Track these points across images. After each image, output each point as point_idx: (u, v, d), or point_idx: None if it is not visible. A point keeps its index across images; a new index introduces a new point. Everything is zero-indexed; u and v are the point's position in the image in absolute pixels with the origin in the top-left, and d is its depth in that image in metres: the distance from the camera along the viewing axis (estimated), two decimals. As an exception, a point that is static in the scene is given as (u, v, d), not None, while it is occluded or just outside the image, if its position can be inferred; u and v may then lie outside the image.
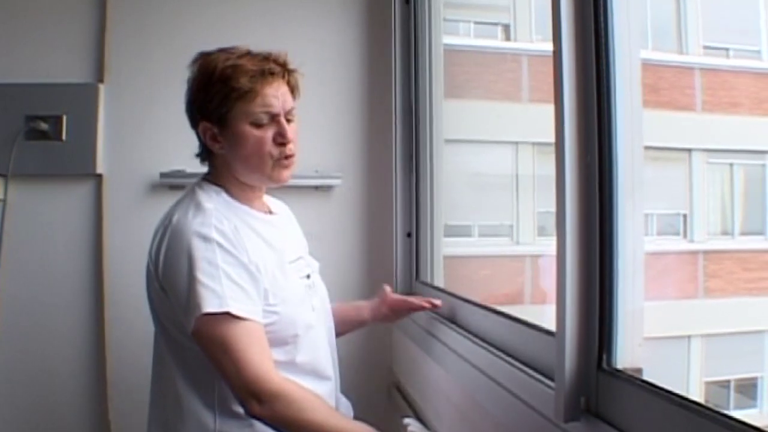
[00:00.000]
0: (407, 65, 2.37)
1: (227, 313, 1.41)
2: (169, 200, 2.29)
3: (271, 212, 1.71)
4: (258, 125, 1.55)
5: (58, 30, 2.39)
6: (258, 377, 1.41)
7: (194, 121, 1.61)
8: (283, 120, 1.57)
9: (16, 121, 2.33)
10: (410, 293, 2.29)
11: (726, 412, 0.81)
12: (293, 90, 1.63)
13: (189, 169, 2.32)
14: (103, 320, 2.37)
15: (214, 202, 1.54)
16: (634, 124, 1.05)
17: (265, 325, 1.48)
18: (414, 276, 2.29)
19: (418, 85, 2.33)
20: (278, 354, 1.50)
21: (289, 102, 1.60)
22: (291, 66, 1.62)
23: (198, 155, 1.66)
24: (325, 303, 1.74)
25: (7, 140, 2.31)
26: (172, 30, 2.41)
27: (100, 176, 2.38)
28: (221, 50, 1.59)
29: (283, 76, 1.59)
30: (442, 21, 2.35)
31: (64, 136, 2.34)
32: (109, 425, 2.37)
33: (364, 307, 1.93)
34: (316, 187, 2.44)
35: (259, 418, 1.45)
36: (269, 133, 1.56)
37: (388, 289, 1.93)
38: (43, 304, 2.37)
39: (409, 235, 2.31)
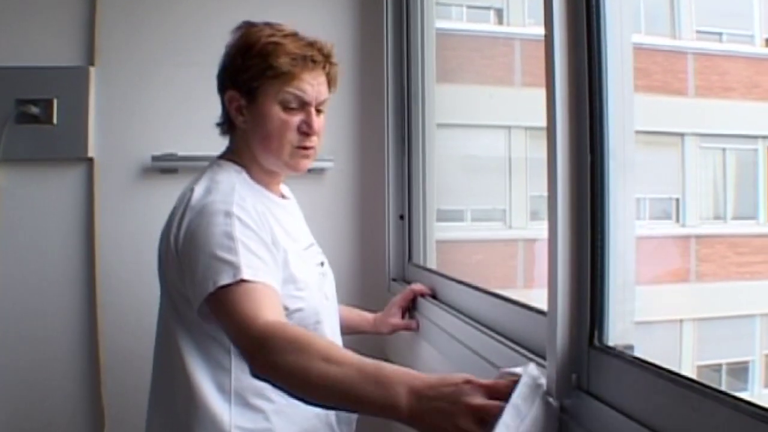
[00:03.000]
0: (399, 49, 2.36)
1: (241, 281, 1.32)
2: (161, 183, 2.32)
3: (284, 197, 1.68)
4: (286, 108, 1.52)
5: (48, 13, 2.37)
6: (241, 327, 1.27)
7: (223, 88, 1.56)
8: (312, 110, 1.54)
9: (6, 105, 2.31)
10: (402, 277, 2.30)
11: (715, 386, 0.81)
12: (330, 83, 1.59)
13: (181, 152, 2.33)
14: (96, 305, 2.37)
15: (235, 181, 1.49)
16: (626, 108, 1.05)
17: (293, 311, 1.45)
18: (406, 258, 2.29)
19: (410, 69, 2.32)
20: None
21: (324, 93, 1.56)
22: (334, 59, 1.58)
23: (219, 125, 1.61)
24: (334, 291, 1.71)
25: (-2, 124, 2.31)
26: (163, 12, 2.39)
27: (91, 160, 2.37)
28: (267, 24, 1.56)
29: (324, 67, 1.56)
30: (434, 5, 2.34)
31: (55, 120, 2.33)
32: (102, 410, 2.37)
33: (368, 318, 1.93)
34: (309, 170, 2.42)
35: (263, 378, 1.26)
36: (295, 119, 1.52)
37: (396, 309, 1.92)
38: (34, 289, 2.36)
39: (401, 217, 2.31)
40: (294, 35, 1.55)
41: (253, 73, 1.50)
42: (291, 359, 1.18)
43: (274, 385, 1.25)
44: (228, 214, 1.39)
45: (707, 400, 0.79)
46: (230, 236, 1.37)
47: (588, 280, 1.04)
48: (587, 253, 1.04)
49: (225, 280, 1.32)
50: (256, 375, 1.25)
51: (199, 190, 1.47)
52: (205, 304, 1.35)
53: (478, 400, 1.01)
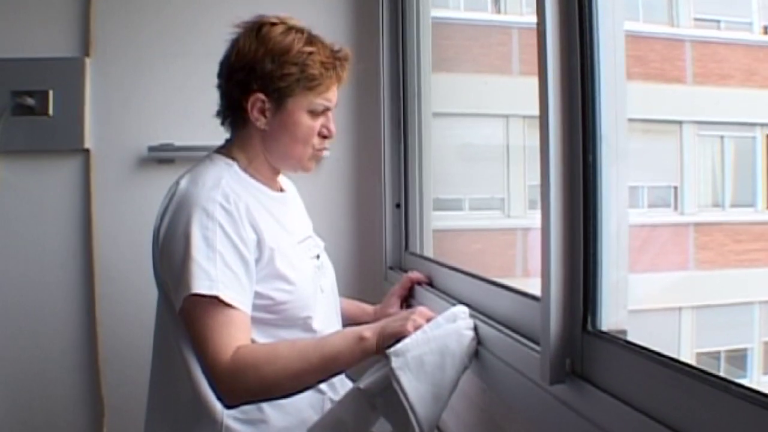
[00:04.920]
0: (395, 38, 2.35)
1: (215, 298, 1.37)
2: (157, 174, 2.32)
3: (282, 190, 1.69)
4: (313, 115, 1.55)
5: (43, 4, 2.37)
6: (214, 360, 1.36)
7: (242, 86, 1.53)
8: (331, 114, 1.58)
9: (2, 97, 2.31)
10: (399, 266, 2.30)
11: (709, 370, 0.81)
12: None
13: (177, 142, 2.33)
14: (94, 296, 2.37)
15: (224, 177, 1.49)
16: (618, 96, 1.05)
17: (279, 304, 1.48)
18: (403, 247, 2.29)
19: (406, 58, 2.32)
20: (288, 334, 1.49)
21: (337, 95, 1.60)
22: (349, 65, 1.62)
23: (225, 117, 1.60)
24: (334, 284, 1.72)
25: (-6, 116, 2.30)
26: (158, 2, 2.39)
27: (87, 151, 2.37)
28: (282, 21, 1.56)
29: (343, 75, 1.60)
30: (431, -7, 2.34)
31: (51, 111, 2.33)
32: (102, 400, 2.37)
33: (368, 310, 1.92)
34: (305, 159, 2.43)
35: (239, 404, 1.42)
36: (318, 124, 1.56)
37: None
38: (32, 280, 2.36)
39: (398, 205, 2.31)
40: (315, 37, 1.57)
41: (289, 81, 1.51)
42: (260, 374, 1.37)
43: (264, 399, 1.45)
44: (210, 216, 1.41)
45: (701, 384, 0.79)
46: (211, 245, 1.39)
47: (581, 266, 1.04)
48: (580, 240, 1.04)
49: (200, 289, 1.37)
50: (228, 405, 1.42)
51: (183, 184, 1.48)
52: (180, 304, 1.40)
53: (419, 318, 1.37)
